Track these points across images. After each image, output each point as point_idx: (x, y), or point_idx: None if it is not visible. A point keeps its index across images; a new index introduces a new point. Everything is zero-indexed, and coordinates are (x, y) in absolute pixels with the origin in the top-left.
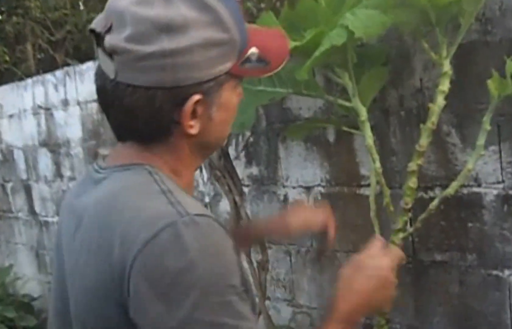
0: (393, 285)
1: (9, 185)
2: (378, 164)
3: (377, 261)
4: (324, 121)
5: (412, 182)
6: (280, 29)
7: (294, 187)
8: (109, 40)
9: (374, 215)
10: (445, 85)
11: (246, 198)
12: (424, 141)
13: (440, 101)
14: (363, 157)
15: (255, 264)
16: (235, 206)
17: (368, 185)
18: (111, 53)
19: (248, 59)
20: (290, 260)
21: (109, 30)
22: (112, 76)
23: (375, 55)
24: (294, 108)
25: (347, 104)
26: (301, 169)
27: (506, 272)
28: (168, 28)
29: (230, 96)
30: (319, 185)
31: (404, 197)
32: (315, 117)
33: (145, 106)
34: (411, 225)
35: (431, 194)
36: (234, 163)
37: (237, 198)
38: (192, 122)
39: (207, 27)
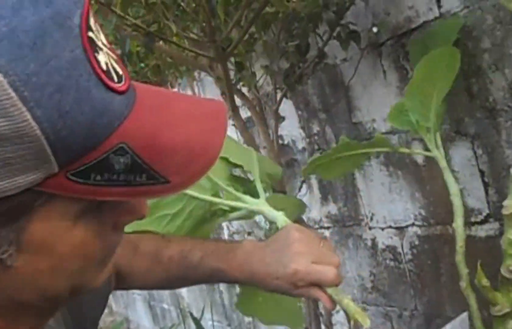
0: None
1: None
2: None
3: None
4: (369, 146)
5: None
6: (218, 105)
7: (382, 229)
8: None
9: (467, 285)
10: None
11: None
12: None
13: None
14: (468, 181)
15: None
16: None
17: (481, 222)
18: None
19: (103, 166)
20: (392, 327)
21: None
22: None
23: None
24: (366, 121)
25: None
26: (388, 204)
27: None
28: None
29: (55, 231)
30: (413, 224)
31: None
32: (394, 129)
33: None
34: None
35: None
36: (307, 198)
37: None
38: None
39: None
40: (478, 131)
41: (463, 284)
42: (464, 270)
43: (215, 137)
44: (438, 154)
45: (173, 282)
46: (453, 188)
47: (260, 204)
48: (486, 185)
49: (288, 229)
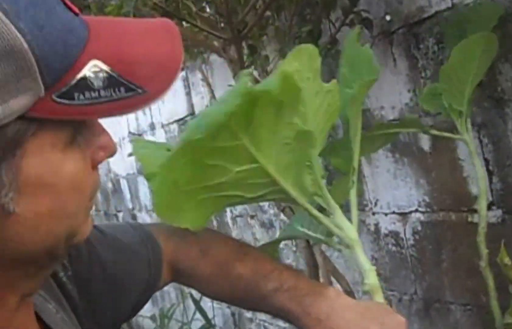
0: None
1: (120, 215)
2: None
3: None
4: (401, 126)
5: None
6: (165, 21)
7: (386, 214)
8: None
9: (486, 265)
10: None
11: None
12: None
13: None
14: (472, 169)
15: None
16: (308, 245)
17: None
18: None
19: (84, 85)
20: None
21: None
22: None
23: (482, 17)
24: (374, 108)
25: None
26: (392, 190)
27: None
28: None
29: (49, 163)
30: (416, 210)
31: None
32: (402, 117)
33: None
34: None
35: None
36: None
37: None
38: None
39: None
40: (485, 120)
41: (483, 263)
42: (484, 251)
43: (174, 46)
44: (468, 138)
45: (235, 300)
46: (480, 172)
47: (337, 217)
48: (490, 173)
49: (384, 307)
